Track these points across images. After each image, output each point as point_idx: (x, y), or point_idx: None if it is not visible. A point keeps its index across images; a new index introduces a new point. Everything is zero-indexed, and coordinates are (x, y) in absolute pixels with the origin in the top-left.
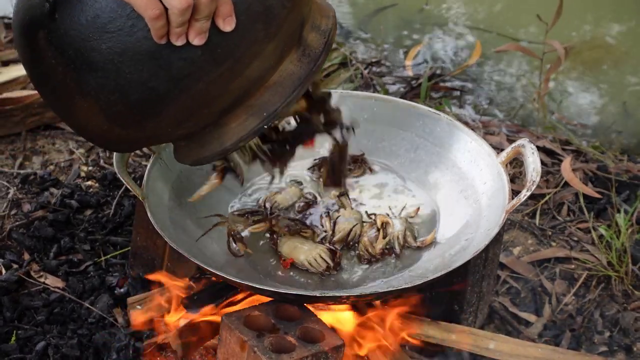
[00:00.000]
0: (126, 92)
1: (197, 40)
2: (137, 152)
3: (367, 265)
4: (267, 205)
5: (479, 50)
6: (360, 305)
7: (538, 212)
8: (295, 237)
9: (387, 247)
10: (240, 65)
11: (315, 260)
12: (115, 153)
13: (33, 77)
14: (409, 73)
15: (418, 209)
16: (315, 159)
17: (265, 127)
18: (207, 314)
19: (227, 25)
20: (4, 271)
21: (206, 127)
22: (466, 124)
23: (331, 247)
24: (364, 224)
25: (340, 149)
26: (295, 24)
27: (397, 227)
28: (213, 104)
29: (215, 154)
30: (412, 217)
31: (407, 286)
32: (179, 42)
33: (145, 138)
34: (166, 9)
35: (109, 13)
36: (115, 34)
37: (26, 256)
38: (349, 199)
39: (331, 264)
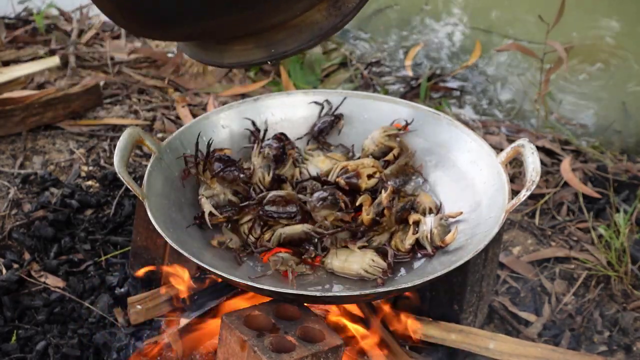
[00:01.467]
0: (139, 3)
1: None
2: (137, 152)
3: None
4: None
5: (479, 50)
6: (360, 305)
7: (538, 212)
8: (341, 250)
9: (417, 245)
10: (261, 15)
11: (370, 266)
12: (115, 153)
13: None
14: (409, 73)
15: (461, 212)
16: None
17: (268, 62)
18: (207, 313)
19: None
20: (4, 271)
21: (213, 40)
22: (466, 124)
23: (380, 247)
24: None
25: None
26: None
27: (426, 225)
28: (222, 35)
29: (211, 63)
30: (452, 217)
31: (407, 286)
32: None
33: (148, 36)
34: None
35: None
36: None
37: (27, 256)
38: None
39: (385, 266)
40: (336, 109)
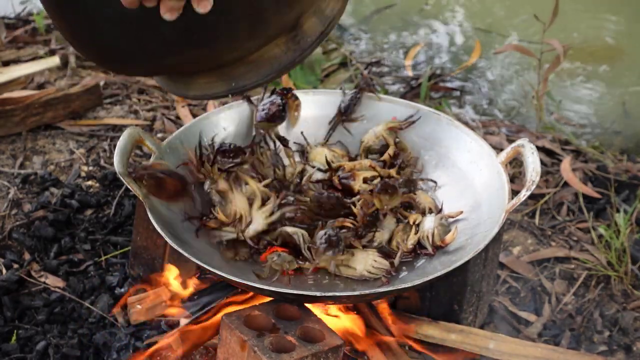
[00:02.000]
0: (96, 38)
1: (167, 15)
2: (138, 152)
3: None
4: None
5: (479, 50)
6: (360, 305)
7: (538, 212)
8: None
9: (418, 244)
10: (216, 54)
11: (373, 267)
12: (115, 153)
13: None
14: (409, 73)
15: (461, 212)
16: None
17: (229, 95)
18: (207, 313)
19: (202, 7)
20: (4, 271)
21: (176, 74)
22: (466, 124)
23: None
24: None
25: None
26: (289, 22)
27: (427, 225)
28: (180, 71)
29: (178, 94)
30: (452, 217)
31: (407, 286)
32: (150, 4)
33: (111, 68)
34: None
35: None
36: None
37: (27, 256)
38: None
39: (389, 266)
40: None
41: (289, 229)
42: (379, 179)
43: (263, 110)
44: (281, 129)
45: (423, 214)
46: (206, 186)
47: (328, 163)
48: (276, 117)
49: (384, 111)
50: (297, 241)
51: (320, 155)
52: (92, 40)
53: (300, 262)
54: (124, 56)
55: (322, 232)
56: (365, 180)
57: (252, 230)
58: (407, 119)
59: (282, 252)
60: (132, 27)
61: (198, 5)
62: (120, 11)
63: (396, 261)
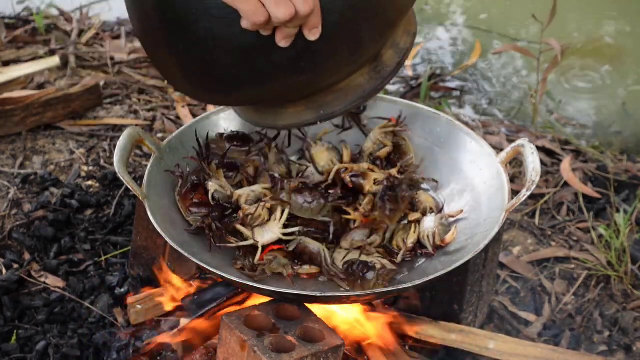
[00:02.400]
0: (208, 67)
1: (283, 43)
2: (137, 152)
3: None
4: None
5: (479, 50)
6: (360, 305)
7: (538, 212)
8: (344, 252)
9: (419, 244)
10: (318, 79)
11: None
12: (115, 153)
13: (133, 13)
14: (409, 73)
15: (461, 211)
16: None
17: (318, 122)
18: (207, 313)
19: (312, 35)
20: (4, 271)
21: (269, 104)
22: (466, 124)
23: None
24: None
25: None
26: (377, 50)
27: (427, 224)
28: (280, 98)
29: (267, 126)
30: (452, 216)
31: (407, 286)
32: (266, 33)
33: (211, 101)
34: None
35: (217, 1)
36: (217, 19)
37: (27, 256)
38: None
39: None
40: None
41: (310, 245)
42: (381, 185)
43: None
44: None
45: (424, 213)
46: (211, 188)
47: (317, 169)
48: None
49: (384, 111)
50: (318, 258)
51: (320, 156)
52: (202, 70)
53: (296, 267)
54: (231, 85)
55: (342, 256)
56: (375, 182)
57: (267, 238)
58: (401, 120)
59: (278, 254)
60: (245, 55)
61: (309, 33)
62: (235, 40)
63: (399, 258)
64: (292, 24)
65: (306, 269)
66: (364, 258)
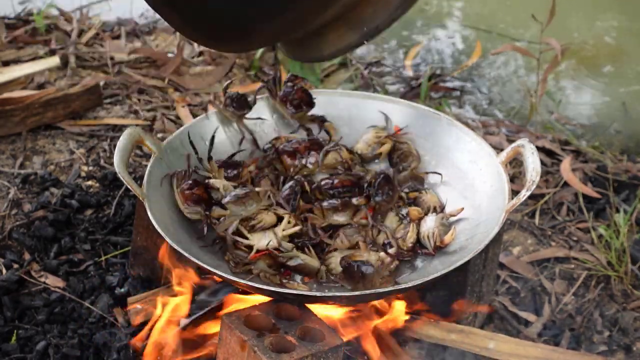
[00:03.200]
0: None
1: None
2: (137, 152)
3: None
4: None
5: (479, 50)
6: (360, 305)
7: (537, 212)
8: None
9: (418, 244)
10: None
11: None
12: (115, 153)
13: None
14: (409, 73)
15: (462, 209)
16: None
17: (365, 42)
18: (207, 313)
19: None
20: (4, 271)
21: (305, 34)
22: (466, 124)
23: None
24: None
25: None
26: None
27: (428, 224)
28: (314, 19)
29: (312, 59)
30: (453, 215)
31: (407, 286)
32: None
33: (238, 43)
34: None
35: None
36: None
37: (27, 256)
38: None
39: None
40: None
41: (311, 263)
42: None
43: (292, 102)
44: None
45: (427, 212)
46: (226, 198)
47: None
48: (305, 103)
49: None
50: (314, 272)
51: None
52: (202, 17)
53: (285, 280)
54: (250, 20)
55: (337, 260)
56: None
57: (263, 243)
58: (403, 131)
59: (267, 265)
60: None
61: None
62: None
63: (392, 250)
64: None
65: (295, 284)
66: (358, 257)
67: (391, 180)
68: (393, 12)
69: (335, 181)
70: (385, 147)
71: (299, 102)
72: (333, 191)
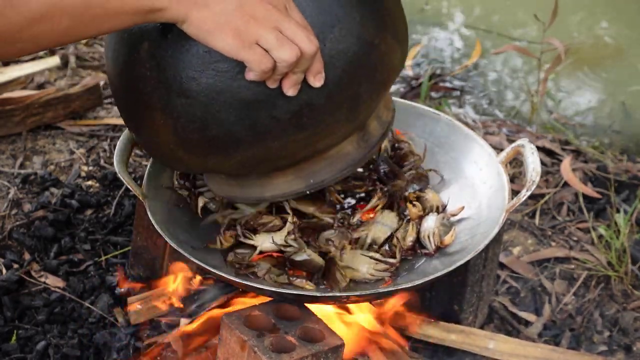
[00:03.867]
0: (207, 126)
1: (291, 91)
2: (137, 152)
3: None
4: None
5: (479, 50)
6: (360, 305)
7: (538, 212)
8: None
9: (419, 244)
10: (316, 137)
11: (375, 269)
12: (115, 153)
13: (118, 79)
14: (409, 73)
15: (462, 207)
16: None
17: (308, 192)
18: (207, 313)
19: (317, 81)
20: (4, 271)
21: (254, 174)
22: (466, 124)
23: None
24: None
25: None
26: (370, 114)
27: (428, 224)
28: (276, 161)
29: (250, 200)
30: (454, 215)
31: (407, 286)
32: (273, 85)
33: (202, 167)
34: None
35: (221, 54)
36: (221, 73)
37: (26, 256)
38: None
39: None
40: None
41: (314, 257)
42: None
43: None
44: None
45: (429, 212)
46: (201, 202)
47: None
48: None
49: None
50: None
51: None
52: (201, 130)
53: (292, 278)
54: (230, 144)
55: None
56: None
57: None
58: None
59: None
60: (248, 110)
61: (314, 79)
62: (238, 94)
63: (397, 258)
64: (299, 68)
65: (304, 282)
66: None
67: (390, 162)
68: (338, 172)
69: None
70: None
71: None
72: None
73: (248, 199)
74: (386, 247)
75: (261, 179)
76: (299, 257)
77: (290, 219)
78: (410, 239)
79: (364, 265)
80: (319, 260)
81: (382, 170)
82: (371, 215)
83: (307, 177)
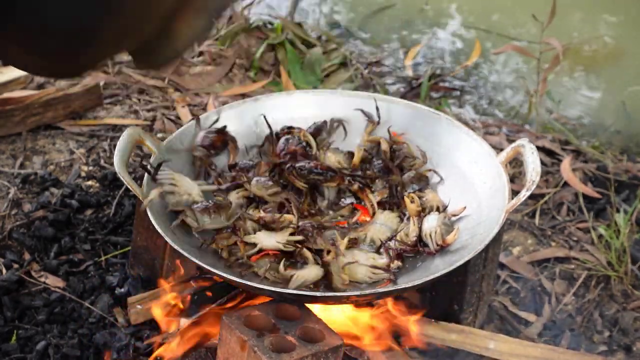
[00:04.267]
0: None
1: None
2: (138, 152)
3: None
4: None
5: (479, 50)
6: (360, 305)
7: (538, 212)
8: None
9: (421, 242)
10: None
11: (374, 273)
12: (115, 153)
13: None
14: (409, 73)
15: (464, 208)
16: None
17: (215, 21)
18: (207, 313)
19: None
20: (4, 271)
21: (153, 39)
22: (466, 124)
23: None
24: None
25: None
26: None
27: (430, 223)
28: (150, 17)
29: (170, 60)
30: (455, 215)
31: (407, 286)
32: None
33: (84, 65)
34: None
35: None
36: None
37: (27, 256)
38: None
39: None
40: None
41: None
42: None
43: (206, 137)
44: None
45: (429, 211)
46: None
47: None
48: (216, 147)
49: (383, 111)
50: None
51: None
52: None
53: (292, 272)
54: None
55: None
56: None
57: (267, 243)
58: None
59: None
60: None
61: None
62: None
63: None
64: None
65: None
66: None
67: (383, 158)
68: None
69: (311, 164)
70: (384, 144)
71: (211, 141)
72: (309, 172)
73: (169, 60)
74: (389, 243)
75: (164, 38)
76: (296, 284)
77: (294, 220)
78: (413, 234)
79: (362, 268)
80: (319, 272)
81: (376, 166)
82: (372, 214)
83: (204, 7)
